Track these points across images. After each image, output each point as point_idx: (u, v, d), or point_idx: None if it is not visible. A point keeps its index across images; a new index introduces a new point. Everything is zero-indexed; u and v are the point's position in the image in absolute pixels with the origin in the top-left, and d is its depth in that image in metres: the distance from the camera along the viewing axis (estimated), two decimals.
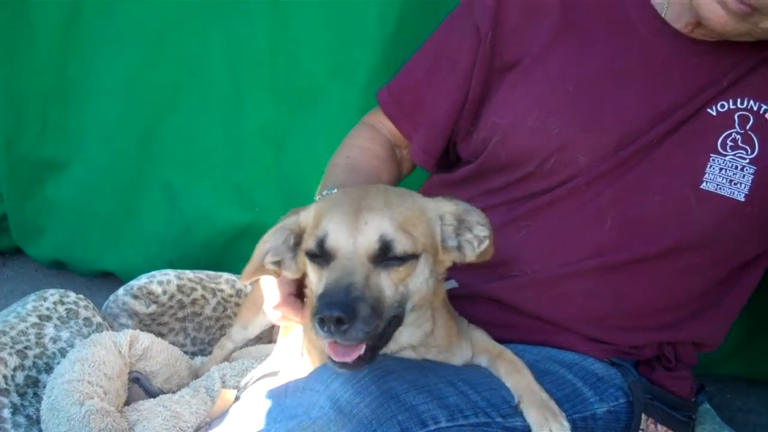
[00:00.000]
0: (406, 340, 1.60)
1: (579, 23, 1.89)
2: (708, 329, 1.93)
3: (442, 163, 2.13)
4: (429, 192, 2.09)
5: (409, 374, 1.53)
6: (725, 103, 1.80)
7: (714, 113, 1.79)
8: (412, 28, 2.56)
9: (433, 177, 2.14)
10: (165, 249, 3.12)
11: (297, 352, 1.75)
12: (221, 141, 2.97)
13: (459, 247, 1.56)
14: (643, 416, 1.82)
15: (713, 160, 1.77)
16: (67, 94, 3.05)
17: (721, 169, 1.76)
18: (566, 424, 1.59)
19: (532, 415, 1.60)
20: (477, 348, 1.72)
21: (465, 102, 1.99)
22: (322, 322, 1.32)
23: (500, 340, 1.77)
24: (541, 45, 1.90)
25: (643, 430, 1.82)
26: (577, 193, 1.83)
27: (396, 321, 1.47)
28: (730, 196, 1.76)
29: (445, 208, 1.55)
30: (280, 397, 1.53)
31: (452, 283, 1.67)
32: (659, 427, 1.87)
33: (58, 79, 3.03)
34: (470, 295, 1.85)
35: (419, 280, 1.48)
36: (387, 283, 1.43)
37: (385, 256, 1.43)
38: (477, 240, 1.56)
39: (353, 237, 1.43)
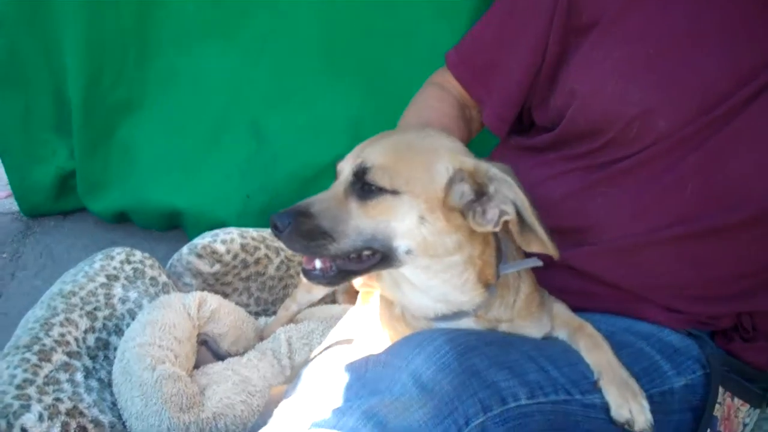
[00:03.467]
0: (492, 313, 1.60)
1: None
2: None
3: (515, 127, 2.08)
4: (503, 156, 2.07)
5: (491, 350, 1.51)
6: None
7: None
8: None
9: (508, 140, 2.09)
10: (245, 181, 3.14)
11: (374, 321, 1.74)
12: (309, 82, 3.01)
13: (474, 213, 1.49)
14: (720, 389, 1.79)
15: None
16: (149, 38, 3.08)
17: None
18: (645, 403, 1.58)
19: (612, 394, 1.59)
20: (557, 321, 1.70)
21: (541, 65, 1.94)
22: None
23: (575, 309, 1.75)
24: (618, 5, 1.83)
25: (719, 403, 1.79)
26: (658, 159, 1.77)
27: (380, 257, 1.49)
28: None
29: (463, 164, 1.49)
30: (360, 370, 1.52)
31: (535, 261, 1.63)
32: (735, 400, 1.84)
33: (140, 24, 3.05)
34: (545, 262, 1.81)
35: (405, 223, 1.46)
36: (357, 211, 1.47)
37: (358, 182, 1.46)
38: (497, 213, 1.50)
39: (347, 162, 1.51)
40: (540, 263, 1.64)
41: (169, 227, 3.36)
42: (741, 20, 1.77)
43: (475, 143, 2.12)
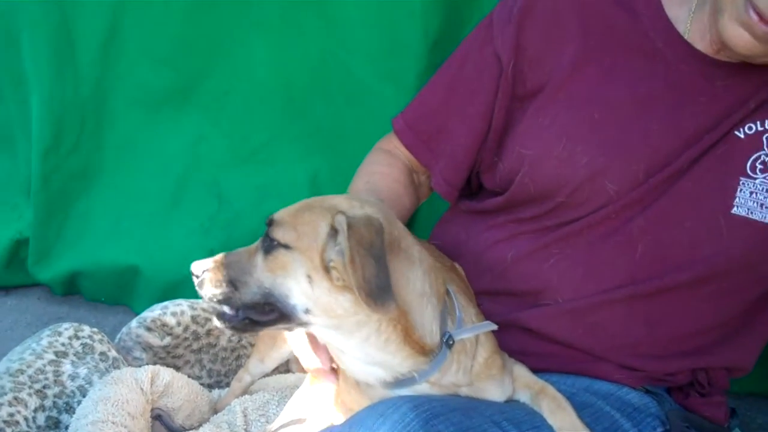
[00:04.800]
0: (448, 379, 1.58)
1: (600, 49, 1.87)
2: (740, 353, 1.92)
3: (464, 191, 2.10)
4: (452, 220, 2.09)
5: (455, 416, 1.50)
6: (753, 126, 1.78)
7: (742, 136, 1.78)
8: (453, 36, 2.73)
9: (458, 204, 2.11)
10: (208, 238, 3.16)
11: (327, 398, 1.72)
12: (268, 142, 3.08)
13: None
14: None
15: (743, 183, 1.76)
16: (107, 105, 3.13)
17: (751, 192, 1.75)
18: None
19: None
20: (518, 383, 1.70)
21: (488, 131, 1.97)
22: None
23: (534, 370, 1.76)
24: (563, 72, 1.88)
25: None
26: (607, 221, 1.81)
27: (278, 314, 1.50)
28: (762, 220, 1.75)
29: (337, 219, 1.47)
30: None
31: (490, 325, 1.63)
32: None
33: (98, 91, 3.10)
34: (501, 324, 1.81)
35: (298, 281, 1.47)
36: (261, 264, 1.49)
37: (266, 236, 1.49)
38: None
39: None
40: (495, 327, 1.64)
41: (118, 296, 3.31)
42: (680, 86, 1.82)
43: (425, 208, 2.15)
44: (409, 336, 1.51)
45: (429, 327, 1.52)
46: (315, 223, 1.47)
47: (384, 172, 2.09)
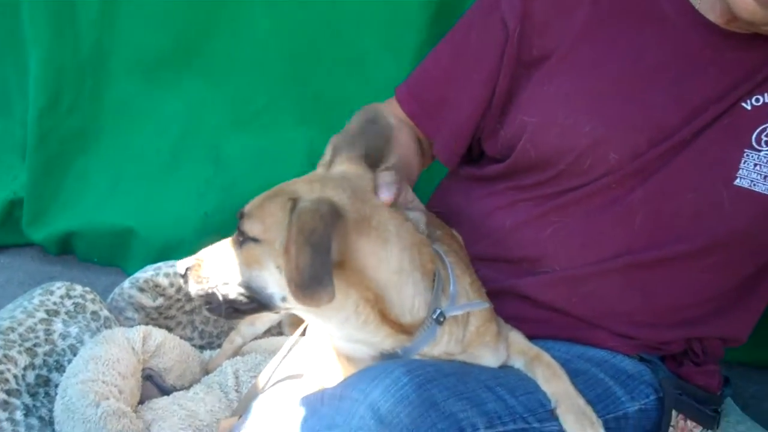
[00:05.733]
0: (439, 350, 1.57)
1: (609, 17, 1.85)
2: (736, 324, 1.91)
3: (465, 158, 2.08)
4: (452, 186, 2.07)
5: (449, 380, 1.50)
6: (760, 97, 1.76)
7: (749, 107, 1.76)
8: (453, 5, 2.69)
9: (458, 170, 2.09)
10: (203, 201, 3.15)
11: (323, 355, 1.71)
12: (267, 108, 3.07)
13: None
14: (673, 412, 1.81)
15: (747, 155, 1.74)
16: (106, 66, 3.11)
17: (755, 164, 1.73)
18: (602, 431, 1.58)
19: (569, 422, 1.58)
20: (513, 349, 1.69)
21: (491, 99, 1.94)
22: None
23: (529, 336, 1.74)
24: (570, 40, 1.85)
25: (672, 426, 1.81)
26: (608, 190, 1.79)
27: (257, 304, 1.51)
28: (765, 193, 1.73)
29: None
30: (315, 404, 1.49)
31: (481, 304, 1.61)
32: (688, 422, 1.85)
33: (97, 51, 3.08)
34: (497, 291, 1.81)
35: (266, 273, 1.46)
36: (237, 259, 1.50)
37: (238, 229, 1.50)
38: None
39: None
40: (487, 305, 1.63)
41: (111, 258, 3.30)
42: (689, 56, 1.80)
43: (423, 173, 2.13)
44: (386, 316, 1.49)
45: (409, 304, 1.50)
46: (277, 214, 1.45)
47: (395, 136, 2.06)
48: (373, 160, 1.60)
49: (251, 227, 1.48)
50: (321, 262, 1.34)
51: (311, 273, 1.34)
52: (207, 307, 1.57)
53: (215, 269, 1.54)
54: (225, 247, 1.56)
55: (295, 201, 1.43)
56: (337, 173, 1.58)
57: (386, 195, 1.52)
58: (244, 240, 1.50)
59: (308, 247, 1.34)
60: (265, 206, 1.49)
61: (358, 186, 1.53)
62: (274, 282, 1.47)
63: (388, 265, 1.47)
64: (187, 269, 1.57)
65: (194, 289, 1.56)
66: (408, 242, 1.51)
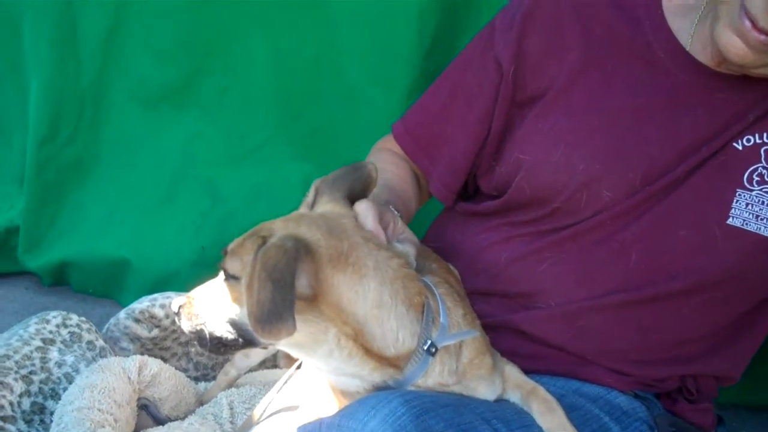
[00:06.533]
0: (433, 380, 1.58)
1: (602, 57, 1.88)
2: (729, 363, 1.93)
3: (461, 193, 2.11)
4: (448, 221, 2.09)
5: (446, 412, 1.50)
6: (751, 138, 1.79)
7: (740, 147, 1.79)
8: (447, 43, 2.76)
9: (454, 206, 2.11)
10: (199, 235, 3.17)
11: (319, 386, 1.71)
12: (264, 142, 3.11)
13: None
14: None
15: (739, 195, 1.76)
16: (106, 97, 3.16)
17: (747, 204, 1.76)
18: None
19: None
20: (509, 383, 1.70)
21: (487, 137, 1.98)
22: None
23: (524, 371, 1.75)
24: (563, 79, 1.89)
25: None
26: (602, 227, 1.82)
27: (239, 337, 1.53)
28: (757, 232, 1.75)
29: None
30: None
31: (472, 333, 1.62)
32: None
33: (98, 83, 3.13)
34: (493, 325, 1.82)
35: (246, 309, 1.46)
36: (227, 296, 1.52)
37: (221, 267, 1.52)
38: None
39: None
40: (477, 334, 1.64)
41: (106, 289, 3.30)
42: (680, 97, 1.83)
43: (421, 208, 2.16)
44: (368, 349, 1.50)
45: (392, 338, 1.50)
46: (251, 251, 1.46)
47: (393, 171, 2.09)
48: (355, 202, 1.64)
49: (232, 265, 1.51)
50: (282, 297, 1.36)
51: (270, 308, 1.36)
52: (197, 343, 1.60)
53: (205, 306, 1.57)
54: (214, 285, 1.59)
55: (264, 239, 1.46)
56: (317, 213, 1.62)
57: (370, 223, 1.56)
58: (226, 277, 1.53)
59: (269, 282, 1.36)
60: (243, 244, 1.51)
61: (336, 224, 1.55)
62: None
63: (365, 299, 1.48)
64: (179, 307, 1.61)
65: (186, 326, 1.61)
66: (390, 276, 1.52)
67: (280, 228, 1.51)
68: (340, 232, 1.53)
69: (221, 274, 1.56)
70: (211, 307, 1.56)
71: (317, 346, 1.50)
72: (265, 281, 1.36)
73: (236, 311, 1.51)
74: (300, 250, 1.42)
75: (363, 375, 1.54)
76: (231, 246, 1.54)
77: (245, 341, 1.54)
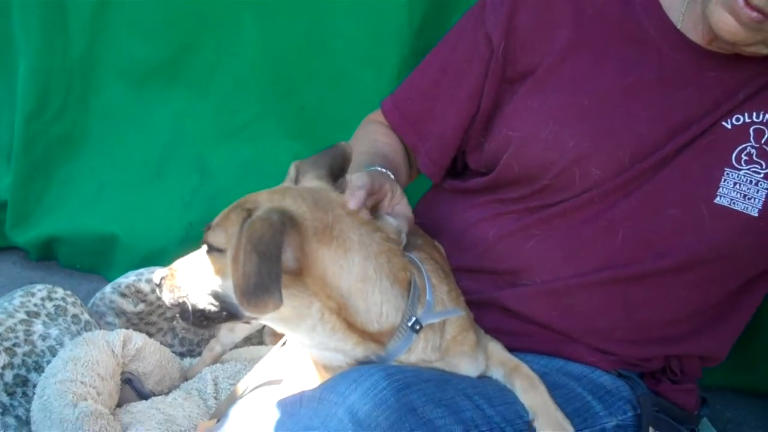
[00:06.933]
0: (416, 356, 1.57)
1: (593, 35, 1.88)
2: (715, 343, 1.93)
3: (449, 170, 2.10)
4: (436, 198, 2.09)
5: (428, 387, 1.50)
6: (741, 117, 1.79)
7: (729, 127, 1.78)
8: (438, 22, 2.73)
9: (442, 183, 2.11)
10: (188, 211, 3.16)
11: (302, 360, 1.71)
12: (253, 120, 3.10)
13: None
14: (651, 429, 1.81)
15: (727, 174, 1.76)
16: (95, 73, 3.14)
17: (735, 183, 1.75)
18: None
19: None
20: (492, 360, 1.69)
21: (476, 113, 1.97)
22: None
23: (509, 348, 1.75)
24: (554, 57, 1.88)
25: None
26: (590, 205, 1.81)
27: (226, 313, 1.52)
28: (744, 211, 1.75)
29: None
30: (293, 406, 1.49)
31: (456, 311, 1.61)
32: None
33: (86, 58, 3.12)
34: (478, 302, 1.82)
35: (230, 282, 1.45)
36: (207, 269, 1.51)
37: (204, 240, 1.52)
38: None
39: None
40: (462, 313, 1.63)
41: (93, 264, 3.30)
42: (671, 75, 1.83)
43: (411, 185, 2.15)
44: (351, 324, 1.50)
45: (376, 312, 1.50)
46: (236, 223, 1.46)
47: (385, 141, 2.09)
48: (335, 179, 1.64)
49: (215, 238, 1.50)
50: (268, 269, 1.35)
51: (257, 280, 1.35)
52: (179, 315, 1.59)
53: (187, 279, 1.56)
54: (197, 257, 1.57)
55: (250, 211, 1.45)
56: (302, 186, 1.61)
57: (353, 201, 1.53)
58: (209, 250, 1.52)
59: (255, 255, 1.35)
60: (228, 217, 1.50)
61: (321, 197, 1.54)
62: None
63: (349, 273, 1.48)
64: (161, 278, 1.60)
65: (167, 298, 1.59)
66: (374, 250, 1.51)
67: (265, 200, 1.49)
68: (325, 205, 1.52)
69: (204, 247, 1.55)
70: (194, 279, 1.55)
71: (301, 320, 1.50)
72: (251, 253, 1.35)
73: (219, 283, 1.50)
74: (286, 223, 1.41)
75: (346, 350, 1.53)
76: (216, 219, 1.52)
77: (229, 314, 1.53)
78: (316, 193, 1.55)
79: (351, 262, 1.48)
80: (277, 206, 1.45)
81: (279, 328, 1.59)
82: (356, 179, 1.58)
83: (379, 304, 1.50)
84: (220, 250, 1.49)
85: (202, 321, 1.56)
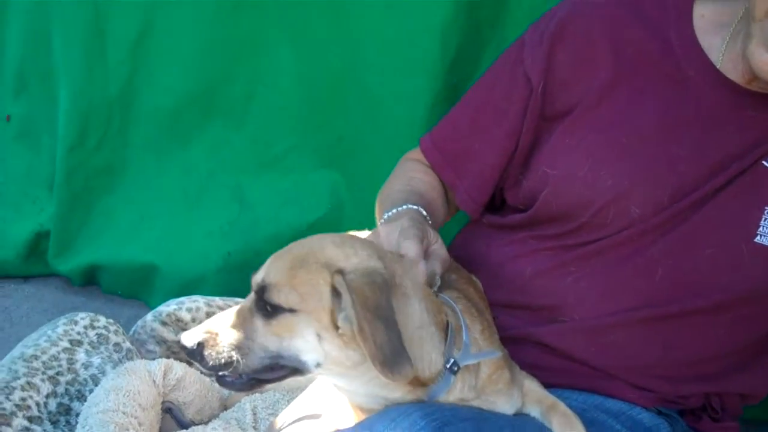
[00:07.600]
0: (454, 396, 1.57)
1: (631, 74, 1.88)
2: (755, 380, 1.92)
3: (487, 206, 2.11)
4: (473, 233, 2.09)
5: (466, 426, 1.50)
6: None
7: None
8: (471, 57, 2.73)
9: (481, 218, 2.11)
10: (226, 241, 3.20)
11: (340, 396, 1.72)
12: (290, 151, 3.13)
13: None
14: None
15: (767, 213, 1.75)
16: (134, 106, 3.20)
17: None
18: None
19: None
20: (529, 397, 1.69)
21: (515, 151, 1.98)
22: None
23: (546, 385, 1.75)
24: (593, 95, 1.89)
25: None
26: (629, 243, 1.81)
27: (290, 370, 1.49)
28: None
29: (334, 279, 1.44)
30: None
31: (493, 353, 1.61)
32: None
33: (126, 92, 3.18)
34: (515, 338, 1.83)
35: (307, 340, 1.44)
36: (263, 329, 1.46)
37: (261, 300, 1.45)
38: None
39: (257, 275, 1.50)
40: (498, 354, 1.63)
41: (134, 291, 3.34)
42: (710, 115, 1.82)
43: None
44: None
45: (428, 359, 1.50)
46: (315, 283, 1.44)
47: (422, 179, 2.10)
48: None
49: (286, 298, 1.44)
50: (395, 335, 1.37)
51: (391, 349, 1.36)
52: (222, 382, 1.52)
53: (236, 341, 1.48)
54: (239, 316, 1.51)
55: (340, 272, 1.43)
56: (352, 234, 1.61)
57: (414, 249, 1.57)
58: (274, 311, 1.46)
59: (380, 323, 1.36)
60: (296, 275, 1.45)
61: (376, 246, 1.55)
62: (310, 349, 1.46)
63: (412, 321, 1.47)
64: (199, 344, 1.48)
65: (211, 364, 1.48)
66: (422, 295, 1.52)
67: (340, 257, 1.47)
68: (383, 253, 1.53)
69: (251, 305, 1.50)
70: (247, 339, 1.48)
71: (362, 373, 1.49)
72: (375, 323, 1.36)
73: (284, 343, 1.46)
74: (390, 285, 1.41)
75: (394, 398, 1.53)
76: (276, 278, 1.46)
77: (291, 371, 1.50)
78: (369, 243, 1.55)
79: (413, 309, 1.48)
80: (370, 266, 1.45)
81: (335, 381, 1.57)
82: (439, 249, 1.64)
83: (429, 351, 1.50)
84: (293, 311, 1.44)
85: (254, 384, 1.52)
